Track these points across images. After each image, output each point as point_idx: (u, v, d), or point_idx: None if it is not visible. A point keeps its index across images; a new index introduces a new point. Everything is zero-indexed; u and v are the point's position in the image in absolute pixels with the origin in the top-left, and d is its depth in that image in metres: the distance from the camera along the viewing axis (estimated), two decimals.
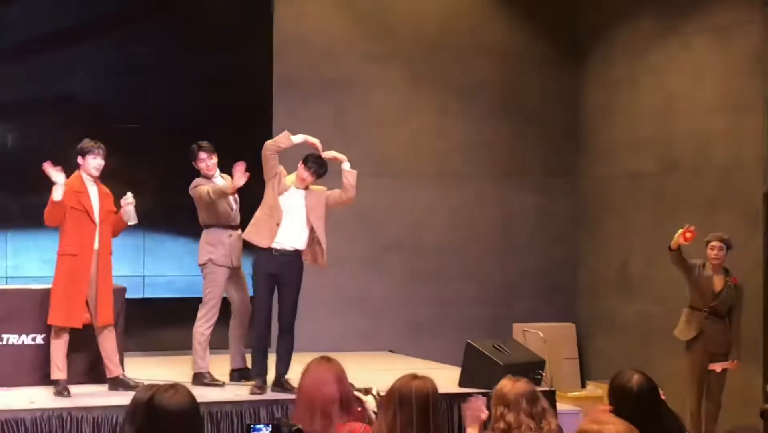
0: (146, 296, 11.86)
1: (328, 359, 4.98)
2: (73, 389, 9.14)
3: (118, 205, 9.30)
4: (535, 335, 12.11)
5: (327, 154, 9.26)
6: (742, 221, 10.58)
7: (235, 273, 9.82)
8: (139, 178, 10.71)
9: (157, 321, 11.65)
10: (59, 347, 9.18)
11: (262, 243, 9.20)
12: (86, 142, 9.22)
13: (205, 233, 9.78)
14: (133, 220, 9.15)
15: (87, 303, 9.12)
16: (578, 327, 13.53)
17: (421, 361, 11.55)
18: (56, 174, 8.92)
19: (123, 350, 9.70)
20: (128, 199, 9.15)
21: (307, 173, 9.28)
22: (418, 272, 13.10)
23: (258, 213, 9.27)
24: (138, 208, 9.24)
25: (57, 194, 8.91)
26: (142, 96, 12.01)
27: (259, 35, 12.42)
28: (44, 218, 9.08)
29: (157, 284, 12.11)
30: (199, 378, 9.56)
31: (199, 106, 12.11)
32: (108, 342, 9.29)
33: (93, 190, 9.21)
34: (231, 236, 9.71)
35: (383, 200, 12.80)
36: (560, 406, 9.34)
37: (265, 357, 9.33)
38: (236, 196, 9.77)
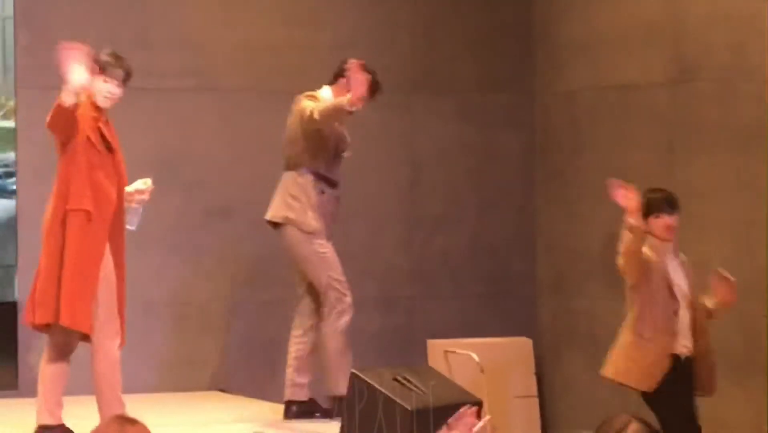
0: None
1: (130, 421, 4.36)
2: None
3: None
4: (466, 359, 10.66)
5: None
6: None
7: None
8: None
9: None
10: None
11: None
12: None
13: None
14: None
15: None
16: (537, 343, 11.41)
17: (269, 404, 9.40)
18: None
19: None
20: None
21: None
22: (266, 254, 10.54)
23: None
24: None
25: None
26: None
27: None
28: None
29: None
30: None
31: None
32: None
33: None
34: None
35: (206, 133, 10.43)
36: None
37: None
38: None
